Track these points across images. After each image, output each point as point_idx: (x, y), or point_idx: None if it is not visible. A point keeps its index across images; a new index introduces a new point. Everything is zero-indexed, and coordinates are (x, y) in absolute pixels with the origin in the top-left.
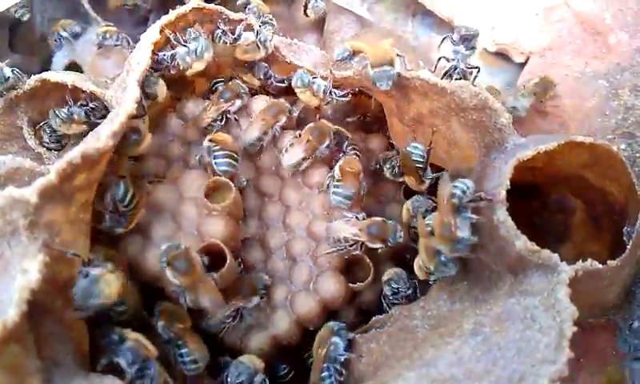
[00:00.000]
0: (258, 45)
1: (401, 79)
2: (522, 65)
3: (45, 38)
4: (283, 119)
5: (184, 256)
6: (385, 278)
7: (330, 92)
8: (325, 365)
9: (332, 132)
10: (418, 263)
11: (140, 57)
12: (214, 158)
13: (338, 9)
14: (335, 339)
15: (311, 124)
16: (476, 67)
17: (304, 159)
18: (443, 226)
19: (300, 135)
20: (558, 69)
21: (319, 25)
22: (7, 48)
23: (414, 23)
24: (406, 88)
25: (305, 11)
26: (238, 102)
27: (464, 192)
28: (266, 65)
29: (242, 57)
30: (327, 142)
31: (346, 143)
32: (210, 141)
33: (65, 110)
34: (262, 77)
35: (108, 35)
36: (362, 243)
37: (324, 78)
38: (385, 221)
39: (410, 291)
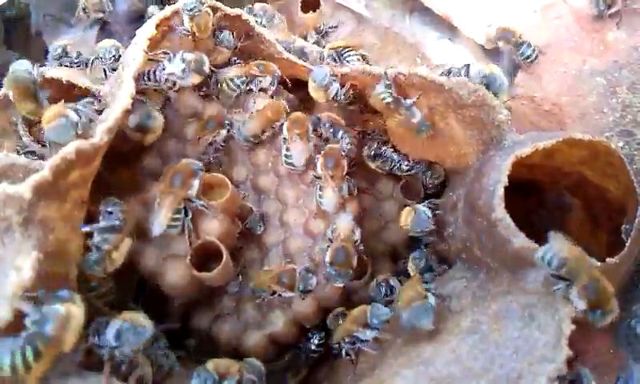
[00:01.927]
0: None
1: (398, 76)
2: (519, 62)
3: (40, 34)
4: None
5: None
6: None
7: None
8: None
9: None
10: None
11: (136, 52)
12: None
13: (335, 6)
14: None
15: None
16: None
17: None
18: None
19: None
20: (556, 66)
21: (316, 21)
22: (3, 44)
23: (411, 20)
24: (403, 85)
25: None
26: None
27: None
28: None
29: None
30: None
31: (341, 132)
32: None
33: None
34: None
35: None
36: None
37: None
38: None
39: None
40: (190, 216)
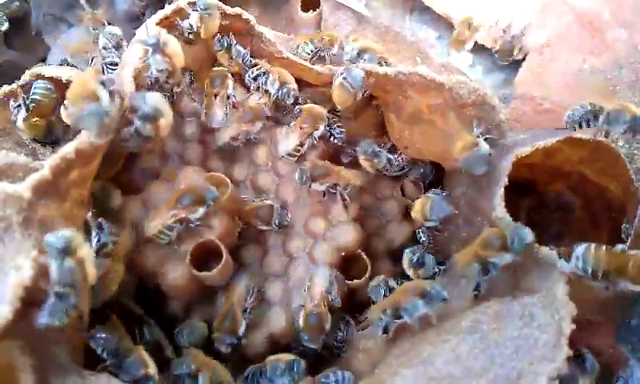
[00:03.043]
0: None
1: (398, 75)
2: (520, 61)
3: (40, 34)
4: (322, 127)
5: None
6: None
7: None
8: None
9: (325, 115)
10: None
11: (135, 52)
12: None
13: (335, 5)
14: None
15: (303, 109)
16: None
17: (300, 145)
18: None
19: (294, 124)
20: (556, 65)
21: (317, 21)
22: (3, 44)
23: (411, 19)
24: (403, 84)
25: None
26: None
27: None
28: (245, 50)
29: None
30: (321, 126)
31: (334, 124)
32: None
33: None
34: (240, 61)
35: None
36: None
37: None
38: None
39: None
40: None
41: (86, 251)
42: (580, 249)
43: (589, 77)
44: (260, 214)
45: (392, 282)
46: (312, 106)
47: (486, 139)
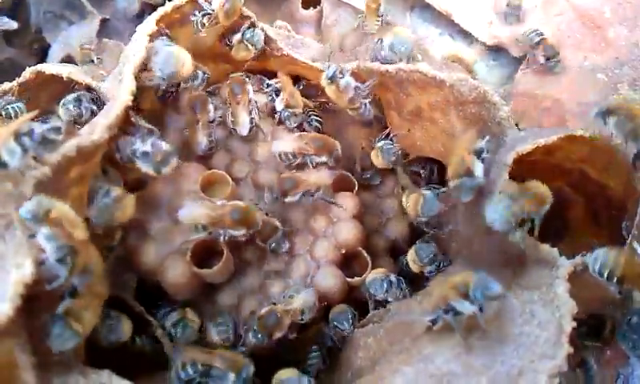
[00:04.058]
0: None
1: (398, 72)
2: (521, 59)
3: (40, 31)
4: (325, 158)
5: None
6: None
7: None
8: None
9: (338, 150)
10: (411, 256)
11: (136, 48)
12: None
13: (336, 2)
14: None
15: (320, 136)
16: None
17: (293, 155)
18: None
19: (301, 135)
20: (558, 63)
21: (317, 18)
22: (3, 42)
23: (411, 16)
24: (403, 81)
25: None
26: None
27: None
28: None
29: (237, 56)
30: (325, 158)
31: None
32: None
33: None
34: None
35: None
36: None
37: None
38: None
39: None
40: None
41: (61, 208)
42: (601, 251)
43: (590, 74)
44: (262, 229)
45: (393, 277)
46: (327, 138)
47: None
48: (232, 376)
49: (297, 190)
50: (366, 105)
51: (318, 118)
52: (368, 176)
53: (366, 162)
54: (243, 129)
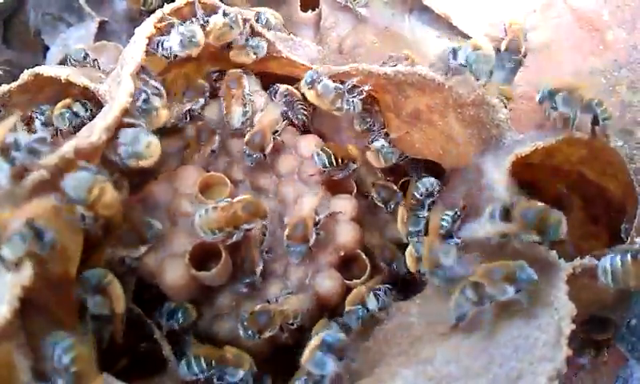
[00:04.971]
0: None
1: (397, 75)
2: (520, 61)
3: (39, 34)
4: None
5: None
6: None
7: (343, 98)
8: None
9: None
10: (409, 252)
11: (134, 51)
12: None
13: (334, 4)
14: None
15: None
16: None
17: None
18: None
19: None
20: (555, 65)
21: (315, 20)
22: (1, 44)
23: (410, 19)
24: (402, 83)
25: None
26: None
27: (453, 220)
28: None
29: (236, 60)
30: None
31: (297, 104)
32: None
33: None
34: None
35: None
36: None
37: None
38: None
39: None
40: None
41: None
42: (616, 258)
43: (588, 77)
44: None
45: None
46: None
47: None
48: (241, 372)
49: (270, 326)
50: (349, 101)
51: (304, 111)
52: (392, 207)
53: (384, 195)
54: (235, 120)
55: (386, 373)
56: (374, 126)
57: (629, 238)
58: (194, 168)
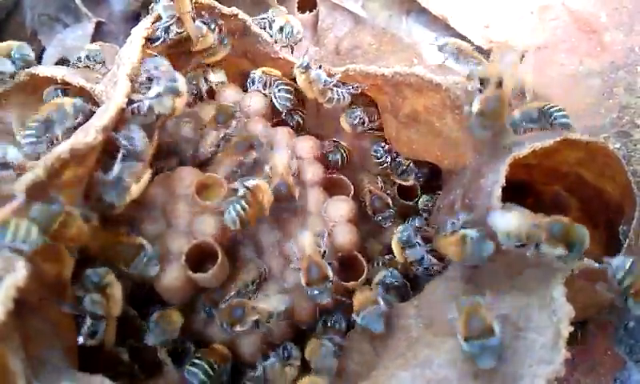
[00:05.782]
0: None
1: (394, 76)
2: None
3: (36, 34)
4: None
5: None
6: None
7: (332, 89)
8: None
9: None
10: (395, 241)
11: (131, 51)
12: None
13: (332, 6)
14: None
15: None
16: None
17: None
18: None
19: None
20: (553, 67)
21: (313, 21)
22: None
23: (408, 21)
24: (400, 85)
25: None
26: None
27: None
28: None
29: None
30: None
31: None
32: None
33: None
34: None
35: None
36: None
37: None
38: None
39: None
40: None
41: None
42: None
43: (585, 79)
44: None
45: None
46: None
47: None
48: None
49: (245, 319)
50: (337, 91)
51: (288, 96)
52: (380, 218)
53: (376, 205)
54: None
55: (383, 375)
56: (364, 121)
57: (626, 240)
58: (190, 169)
